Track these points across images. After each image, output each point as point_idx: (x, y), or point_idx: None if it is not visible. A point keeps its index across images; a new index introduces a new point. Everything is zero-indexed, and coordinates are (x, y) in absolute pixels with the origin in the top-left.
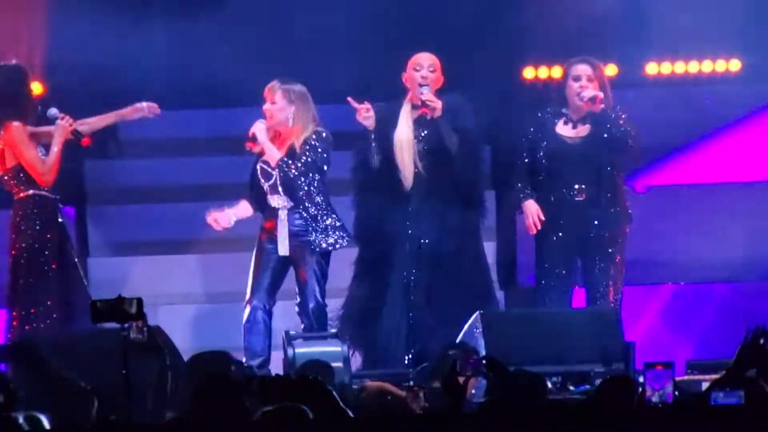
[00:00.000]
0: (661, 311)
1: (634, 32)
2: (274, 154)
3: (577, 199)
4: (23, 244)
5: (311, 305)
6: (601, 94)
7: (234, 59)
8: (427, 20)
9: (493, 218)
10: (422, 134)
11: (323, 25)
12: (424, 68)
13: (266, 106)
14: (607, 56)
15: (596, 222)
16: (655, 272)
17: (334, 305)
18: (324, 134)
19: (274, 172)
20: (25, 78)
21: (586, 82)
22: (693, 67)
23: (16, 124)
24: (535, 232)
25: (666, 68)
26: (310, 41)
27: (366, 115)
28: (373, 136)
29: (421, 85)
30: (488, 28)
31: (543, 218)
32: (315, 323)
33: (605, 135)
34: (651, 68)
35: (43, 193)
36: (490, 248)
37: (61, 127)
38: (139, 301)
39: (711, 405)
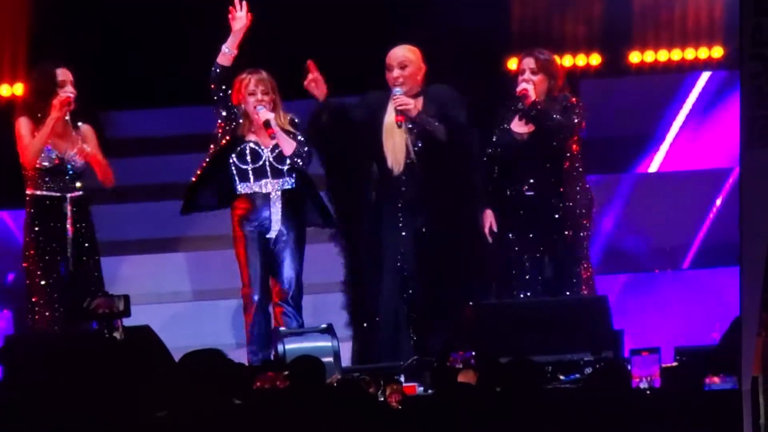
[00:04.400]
0: (649, 299)
1: (616, 21)
2: (289, 143)
3: (527, 194)
4: (24, 244)
5: (297, 294)
6: (526, 88)
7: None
8: (410, 11)
9: None
10: (412, 125)
11: (306, 19)
12: (394, 68)
13: (262, 97)
14: (590, 45)
15: (553, 215)
16: (641, 260)
17: (327, 300)
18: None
19: (264, 154)
20: (42, 73)
21: (529, 74)
22: (676, 54)
23: (21, 119)
24: (490, 240)
25: (649, 56)
26: (294, 35)
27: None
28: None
29: (394, 86)
30: (472, 19)
31: (495, 229)
32: (298, 314)
33: (543, 130)
34: (634, 57)
35: (40, 193)
36: None
37: (51, 107)
38: (126, 298)
39: (705, 391)
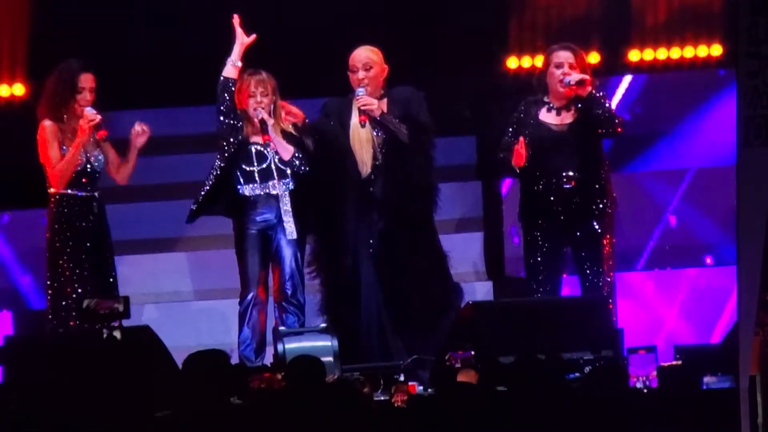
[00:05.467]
0: (652, 297)
1: (615, 19)
2: (286, 148)
3: (566, 186)
4: (51, 243)
5: (298, 293)
6: (588, 77)
7: (220, 54)
8: (409, 10)
9: (480, 208)
10: (376, 125)
11: (295, 16)
12: (359, 69)
13: (261, 99)
14: (589, 44)
15: (584, 209)
16: (643, 258)
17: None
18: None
19: (270, 156)
20: (64, 75)
21: (569, 69)
22: (675, 53)
23: (46, 123)
24: (524, 154)
25: (648, 55)
26: (281, 34)
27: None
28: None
29: (358, 87)
30: (471, 17)
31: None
32: (300, 312)
33: (593, 119)
34: (633, 55)
35: (68, 192)
36: (477, 239)
37: (79, 128)
38: (126, 300)
39: (703, 390)
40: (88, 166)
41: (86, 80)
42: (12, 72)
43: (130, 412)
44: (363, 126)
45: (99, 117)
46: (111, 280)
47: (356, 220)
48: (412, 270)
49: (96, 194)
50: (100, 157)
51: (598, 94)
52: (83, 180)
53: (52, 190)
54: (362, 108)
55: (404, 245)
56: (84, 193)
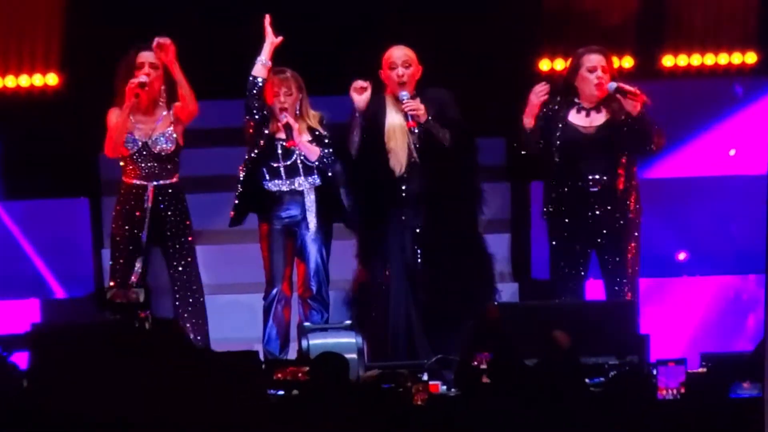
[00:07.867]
0: (678, 304)
1: (650, 24)
2: (313, 150)
3: (592, 189)
4: (111, 230)
5: (322, 290)
6: (643, 96)
7: (243, 50)
8: (442, 11)
9: (508, 210)
10: (415, 128)
11: (324, 13)
12: (398, 66)
13: (284, 99)
14: (623, 48)
15: (611, 213)
16: (672, 265)
17: (339, 297)
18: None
19: (296, 152)
20: (123, 59)
21: (601, 72)
22: (709, 59)
23: (113, 109)
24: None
25: (682, 60)
26: (309, 30)
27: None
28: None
29: (399, 85)
30: (503, 19)
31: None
32: (324, 309)
33: (625, 123)
34: (667, 60)
35: (127, 180)
36: (504, 240)
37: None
38: (145, 290)
39: (729, 398)
40: (145, 149)
41: (144, 56)
42: (46, 62)
43: (150, 406)
44: (413, 133)
45: (141, 79)
46: (178, 270)
47: (389, 218)
48: (444, 269)
49: (153, 183)
50: (161, 139)
51: (649, 115)
52: (138, 165)
53: (122, 177)
54: (410, 113)
55: (438, 245)
56: (138, 181)
